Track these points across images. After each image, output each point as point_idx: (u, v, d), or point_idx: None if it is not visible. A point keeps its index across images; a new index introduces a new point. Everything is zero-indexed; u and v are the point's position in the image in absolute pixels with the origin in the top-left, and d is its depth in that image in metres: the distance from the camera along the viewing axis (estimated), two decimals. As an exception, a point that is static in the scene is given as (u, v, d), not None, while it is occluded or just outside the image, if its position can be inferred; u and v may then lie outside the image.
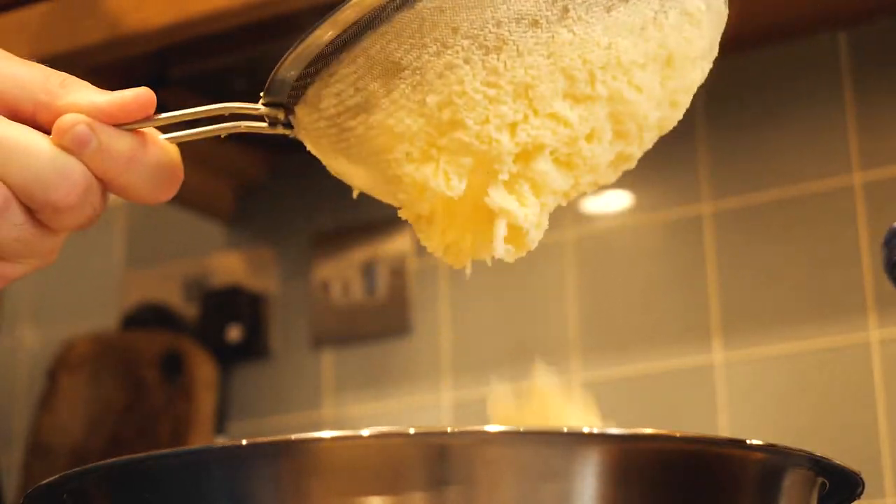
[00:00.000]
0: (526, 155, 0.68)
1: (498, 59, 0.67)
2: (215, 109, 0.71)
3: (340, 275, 1.63)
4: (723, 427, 1.41)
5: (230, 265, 1.71)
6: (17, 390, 1.82)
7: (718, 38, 0.75)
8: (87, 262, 1.81)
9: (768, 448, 0.68)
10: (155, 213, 1.77)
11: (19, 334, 1.85)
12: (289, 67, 0.69)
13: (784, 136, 1.45)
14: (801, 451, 0.68)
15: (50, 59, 1.34)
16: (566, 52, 0.67)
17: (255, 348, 1.67)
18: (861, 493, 0.75)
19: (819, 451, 0.69)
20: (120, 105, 0.68)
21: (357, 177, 0.73)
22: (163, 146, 0.69)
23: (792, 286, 1.42)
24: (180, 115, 0.70)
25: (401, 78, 0.67)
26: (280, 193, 1.68)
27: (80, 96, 0.67)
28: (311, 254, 1.64)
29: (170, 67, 1.46)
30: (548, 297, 1.53)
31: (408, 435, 0.64)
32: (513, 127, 0.67)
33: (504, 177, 0.68)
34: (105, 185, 0.67)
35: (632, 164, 0.74)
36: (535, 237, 0.70)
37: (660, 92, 0.71)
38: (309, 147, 0.73)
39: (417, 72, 0.67)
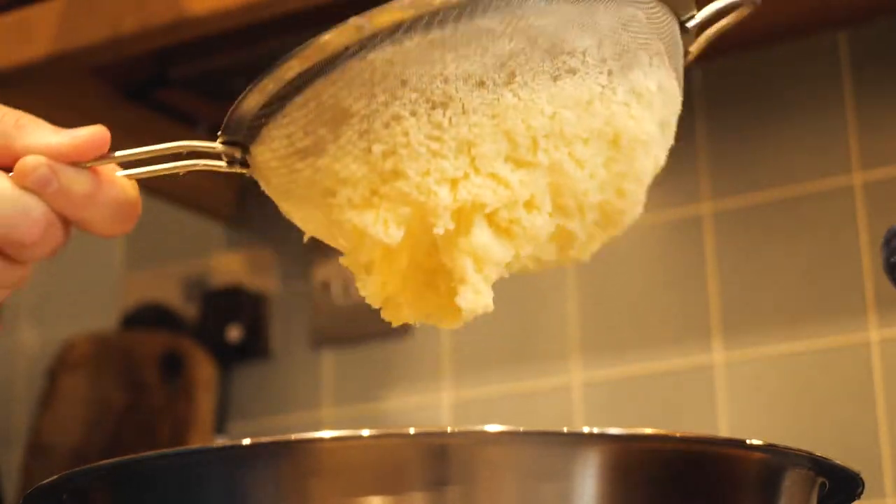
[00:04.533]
0: (466, 216, 0.69)
1: (443, 115, 0.68)
2: (173, 148, 0.73)
3: (340, 275, 1.63)
4: (723, 427, 1.41)
5: (230, 265, 1.71)
6: (17, 390, 1.82)
7: (674, 123, 0.75)
8: (87, 262, 1.81)
9: (768, 448, 0.68)
10: (155, 213, 1.77)
11: (19, 334, 1.85)
12: (245, 107, 0.71)
13: (784, 136, 1.45)
14: (801, 451, 0.68)
15: (50, 59, 1.34)
16: (510, 116, 0.68)
17: (255, 348, 1.67)
18: (861, 493, 0.75)
19: (819, 451, 0.69)
20: (76, 145, 0.70)
21: (305, 220, 0.74)
22: (120, 184, 0.71)
23: (792, 286, 1.42)
24: (137, 153, 0.73)
25: (349, 125, 0.69)
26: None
27: (36, 137, 0.70)
28: (311, 254, 1.64)
29: (170, 67, 1.46)
30: (548, 297, 1.53)
31: (408, 435, 0.64)
32: (454, 183, 0.68)
33: (439, 230, 0.69)
34: (65, 220, 0.70)
35: (578, 250, 0.75)
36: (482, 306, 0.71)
37: (604, 173, 0.71)
38: (262, 186, 0.75)
39: (365, 120, 0.68)
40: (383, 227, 0.69)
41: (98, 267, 1.81)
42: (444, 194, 0.68)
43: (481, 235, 0.70)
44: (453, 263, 0.70)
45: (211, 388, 1.64)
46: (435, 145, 0.68)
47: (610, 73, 0.70)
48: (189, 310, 1.73)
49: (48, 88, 1.48)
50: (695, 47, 0.77)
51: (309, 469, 0.64)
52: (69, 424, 1.67)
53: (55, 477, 0.68)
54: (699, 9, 0.76)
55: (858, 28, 1.43)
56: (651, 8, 0.72)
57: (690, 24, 0.76)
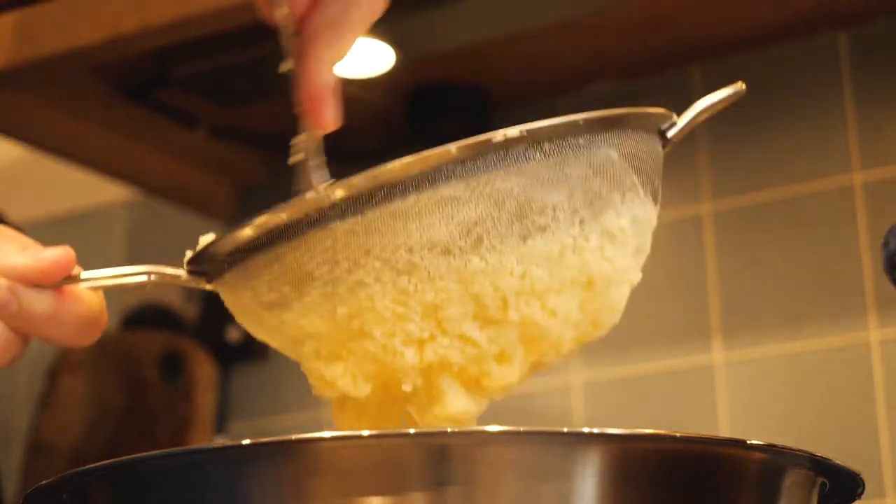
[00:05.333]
0: (435, 375, 0.69)
1: (408, 282, 0.67)
2: (137, 272, 0.72)
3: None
4: (723, 427, 1.41)
5: (230, 265, 1.71)
6: (17, 390, 1.82)
7: (649, 242, 0.73)
8: (87, 262, 1.81)
9: (768, 448, 0.68)
10: (155, 213, 1.77)
11: (19, 334, 1.85)
12: (211, 252, 0.71)
13: (784, 136, 1.45)
14: (801, 451, 0.68)
15: (50, 59, 1.34)
16: (478, 280, 0.67)
17: (255, 348, 1.67)
18: (861, 493, 0.75)
19: (819, 452, 0.69)
20: (40, 268, 0.70)
21: (277, 349, 0.74)
22: (84, 300, 0.72)
23: (792, 286, 1.42)
24: (102, 277, 0.72)
25: (313, 287, 0.68)
26: (280, 193, 1.68)
27: (2, 257, 0.69)
28: (311, 254, 1.64)
29: (170, 67, 1.46)
30: (548, 297, 1.53)
31: (408, 435, 0.64)
32: (420, 343, 0.68)
33: (407, 388, 0.68)
34: (25, 336, 0.70)
35: (552, 367, 0.74)
36: None
37: (578, 315, 0.70)
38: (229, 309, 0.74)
39: (329, 284, 0.67)
40: (351, 380, 0.69)
41: (98, 266, 1.81)
42: (410, 355, 0.68)
43: (456, 401, 0.69)
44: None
45: (211, 388, 1.64)
46: (400, 309, 0.67)
47: (581, 221, 0.68)
48: (189, 310, 1.73)
49: (48, 88, 1.48)
50: (677, 136, 0.74)
51: (309, 469, 0.64)
52: (69, 424, 1.67)
53: (55, 477, 0.68)
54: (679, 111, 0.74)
55: (858, 28, 1.43)
56: (624, 142, 0.69)
57: (671, 133, 0.73)
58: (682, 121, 0.73)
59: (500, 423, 0.63)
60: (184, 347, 1.66)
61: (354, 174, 0.66)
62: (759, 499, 0.68)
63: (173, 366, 1.66)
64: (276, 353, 1.88)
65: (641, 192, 0.71)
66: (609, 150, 0.69)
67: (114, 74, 1.49)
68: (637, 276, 0.74)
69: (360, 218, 0.66)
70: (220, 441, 1.59)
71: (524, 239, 0.67)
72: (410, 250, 0.66)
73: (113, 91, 1.50)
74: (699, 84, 1.49)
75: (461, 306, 0.67)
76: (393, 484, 0.62)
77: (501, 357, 0.69)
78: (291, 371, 1.69)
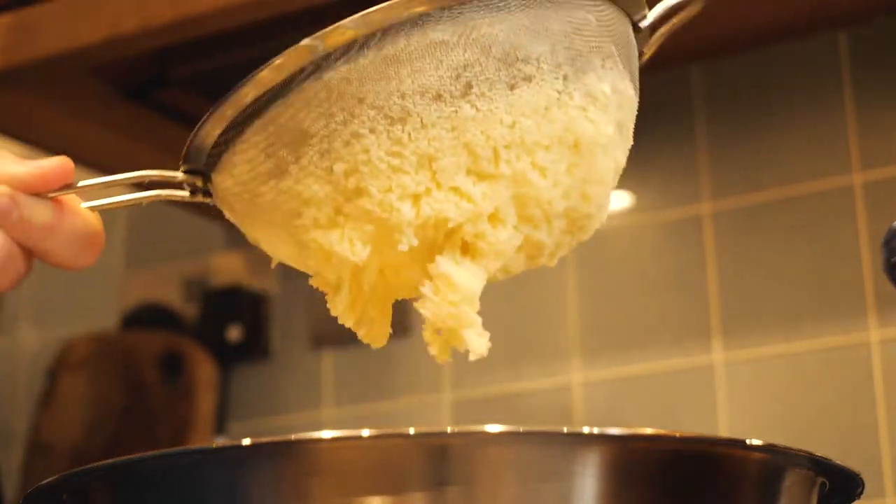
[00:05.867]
0: (432, 235, 0.70)
1: (402, 130, 0.68)
2: (135, 177, 0.73)
3: (340, 275, 1.63)
4: (723, 427, 1.41)
5: (230, 265, 1.71)
6: (17, 390, 1.82)
7: (631, 125, 0.75)
8: (87, 262, 1.81)
9: (768, 448, 0.68)
10: (155, 213, 1.77)
11: (19, 334, 1.85)
12: (203, 135, 0.71)
13: (784, 136, 1.45)
14: (801, 451, 0.68)
15: (50, 59, 1.34)
16: (469, 128, 0.69)
17: (255, 348, 1.67)
18: (861, 493, 0.75)
19: (819, 451, 0.69)
20: (39, 175, 0.70)
21: (272, 245, 0.75)
22: (82, 215, 0.71)
23: (792, 286, 1.42)
24: (100, 182, 0.72)
25: (309, 145, 0.69)
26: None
27: (0, 167, 0.69)
28: (311, 254, 1.64)
29: (170, 67, 1.46)
30: (548, 297, 1.53)
31: (408, 435, 0.64)
32: (416, 198, 0.69)
33: (403, 247, 0.69)
34: (26, 251, 0.69)
35: (547, 258, 0.74)
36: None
37: (567, 179, 0.71)
38: (226, 214, 0.75)
39: (325, 140, 0.69)
40: (349, 245, 0.70)
41: (98, 267, 1.80)
42: (406, 210, 0.69)
43: (448, 267, 0.70)
44: (451, 318, 0.72)
45: (211, 388, 1.64)
46: (395, 161, 0.68)
47: (565, 77, 0.70)
48: (189, 310, 1.73)
49: (48, 88, 1.48)
50: (648, 48, 0.78)
51: (309, 469, 0.64)
52: (69, 424, 1.67)
53: (55, 477, 0.68)
54: (651, 8, 0.77)
55: (858, 28, 1.43)
56: (601, 10, 0.72)
57: (643, 24, 0.76)
58: (651, 16, 0.76)
59: (500, 423, 0.63)
60: (184, 347, 1.66)
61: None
62: (759, 499, 0.68)
63: (173, 366, 1.66)
64: (276, 352, 1.87)
65: (620, 65, 0.73)
66: (587, 14, 0.72)
67: (114, 74, 1.49)
68: (622, 158, 0.75)
69: (353, 65, 0.68)
70: (220, 441, 1.59)
71: (511, 87, 0.69)
72: (403, 96, 0.68)
73: (113, 91, 1.50)
74: (699, 84, 1.49)
75: (454, 157, 0.69)
76: (393, 484, 0.62)
77: (495, 218, 0.70)
78: (291, 371, 1.70)
